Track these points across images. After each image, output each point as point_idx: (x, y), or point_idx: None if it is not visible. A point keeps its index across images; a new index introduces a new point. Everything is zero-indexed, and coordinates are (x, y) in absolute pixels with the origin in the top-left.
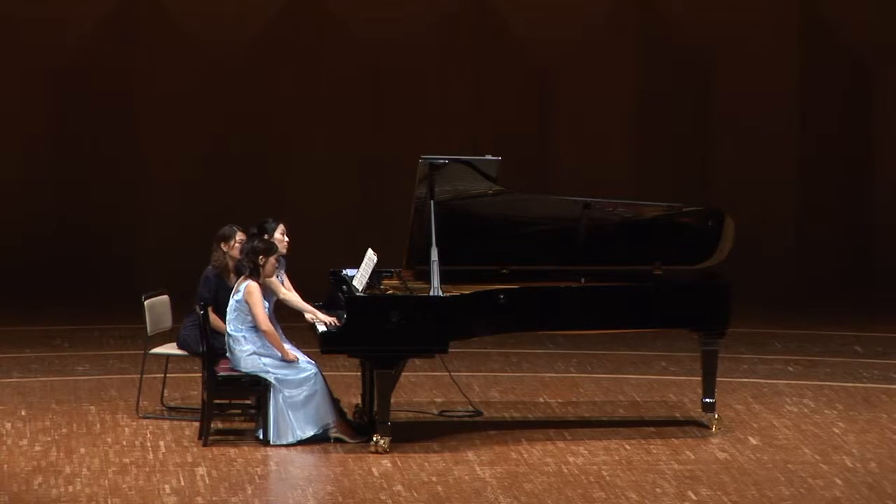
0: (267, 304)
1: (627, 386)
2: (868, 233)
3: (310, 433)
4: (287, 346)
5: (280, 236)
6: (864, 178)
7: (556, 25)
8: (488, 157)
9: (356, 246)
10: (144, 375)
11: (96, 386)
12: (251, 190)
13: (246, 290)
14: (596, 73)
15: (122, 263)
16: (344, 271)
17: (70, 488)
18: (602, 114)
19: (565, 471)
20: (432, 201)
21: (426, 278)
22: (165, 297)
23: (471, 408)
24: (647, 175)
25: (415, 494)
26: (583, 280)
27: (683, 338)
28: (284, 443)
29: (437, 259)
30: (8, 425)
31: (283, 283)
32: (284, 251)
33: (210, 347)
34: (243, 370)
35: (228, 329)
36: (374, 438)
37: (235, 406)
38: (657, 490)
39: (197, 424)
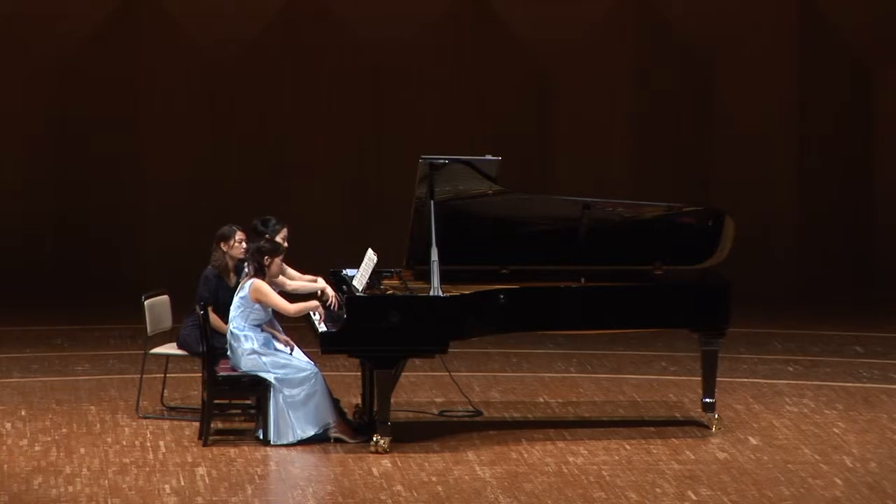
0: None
1: (627, 386)
2: (868, 233)
3: (310, 433)
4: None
5: (280, 240)
6: (864, 178)
7: (555, 25)
8: (488, 157)
9: (356, 246)
10: (144, 375)
11: (96, 386)
12: (251, 190)
13: (252, 287)
14: (596, 73)
15: (122, 263)
16: (344, 271)
17: (70, 488)
18: (602, 114)
19: (565, 471)
20: (432, 201)
21: (426, 278)
22: (165, 297)
23: (471, 408)
24: (647, 175)
25: (415, 494)
26: (583, 280)
27: (683, 338)
28: (285, 443)
29: (437, 259)
30: (8, 425)
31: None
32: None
33: (210, 347)
34: (243, 369)
35: (231, 327)
36: (374, 438)
37: (235, 406)
38: (657, 490)
39: (197, 424)
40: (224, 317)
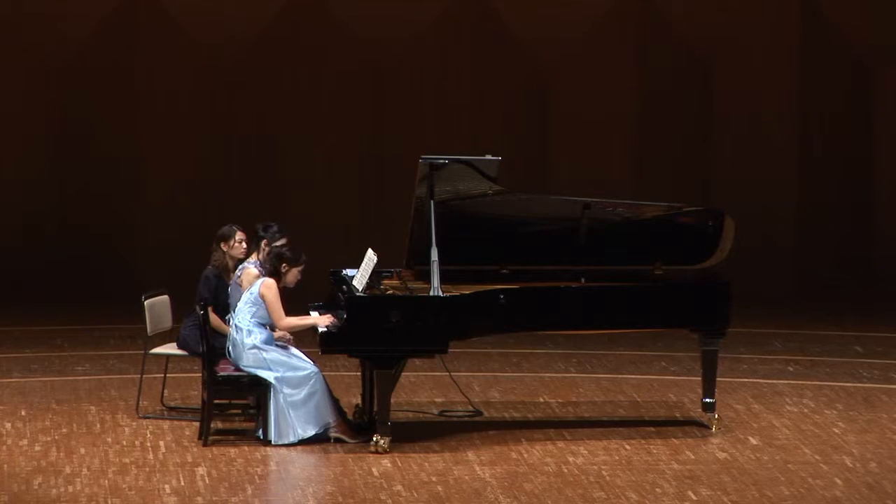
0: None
1: (627, 386)
2: (868, 233)
3: (311, 432)
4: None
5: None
6: (864, 178)
7: (556, 25)
8: (488, 157)
9: (356, 246)
10: (144, 375)
11: (96, 386)
12: (251, 190)
13: (264, 284)
14: (596, 72)
15: (122, 263)
16: (344, 271)
17: (70, 488)
18: (602, 114)
19: (565, 471)
20: (432, 201)
21: (426, 278)
22: (165, 297)
23: (471, 408)
24: (647, 175)
25: (415, 494)
26: (583, 280)
27: (683, 338)
28: (285, 442)
29: (437, 259)
30: (8, 425)
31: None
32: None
33: (210, 347)
34: (244, 365)
35: (235, 320)
36: (374, 438)
37: (235, 406)
38: (657, 490)
39: (197, 424)
40: (224, 317)
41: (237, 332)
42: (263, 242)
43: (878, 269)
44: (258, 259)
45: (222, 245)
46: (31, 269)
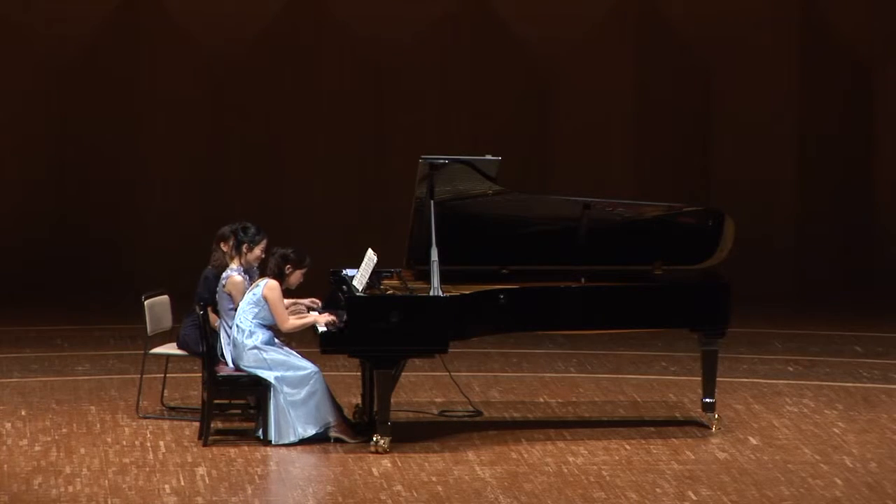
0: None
1: (627, 386)
2: (868, 233)
3: (311, 432)
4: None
5: (259, 252)
6: (864, 178)
7: (556, 25)
8: (488, 157)
9: (356, 246)
10: (144, 375)
11: (96, 386)
12: (251, 190)
13: (267, 285)
14: (596, 73)
15: (122, 263)
16: (344, 271)
17: (70, 488)
18: (602, 114)
19: (565, 471)
20: (432, 201)
21: (426, 278)
22: (165, 297)
23: (471, 408)
24: (647, 175)
25: (415, 494)
26: (583, 280)
27: (683, 338)
28: (285, 442)
29: (437, 259)
30: (8, 425)
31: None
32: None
33: (210, 347)
34: (244, 365)
35: (237, 320)
36: (374, 438)
37: (235, 406)
38: (657, 490)
39: (197, 424)
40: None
41: (239, 332)
42: (245, 246)
43: (878, 269)
44: (241, 264)
45: (222, 245)
46: (31, 268)
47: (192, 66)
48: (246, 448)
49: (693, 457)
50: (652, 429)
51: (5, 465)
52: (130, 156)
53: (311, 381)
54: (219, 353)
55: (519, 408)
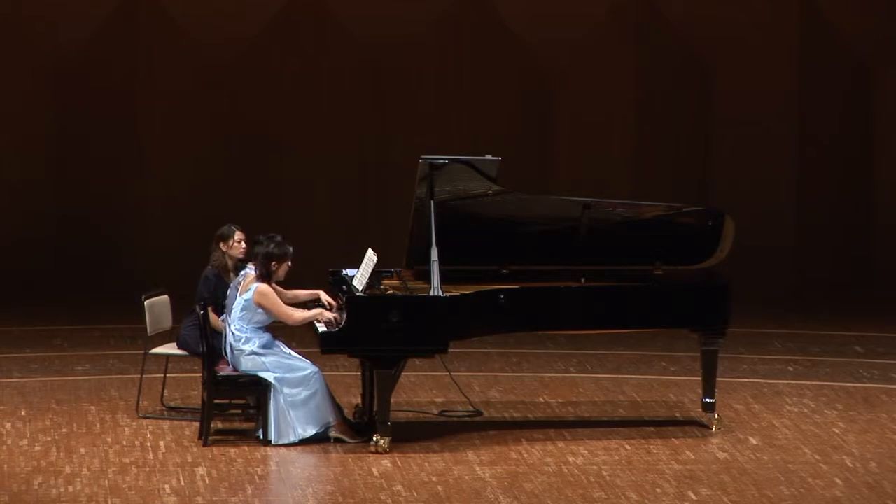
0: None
1: (627, 386)
2: (868, 233)
3: (311, 432)
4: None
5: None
6: (864, 178)
7: (556, 25)
8: (488, 157)
9: (356, 246)
10: (144, 375)
11: (96, 386)
12: (251, 190)
13: (257, 292)
14: (596, 73)
15: (122, 263)
16: (344, 271)
17: (70, 488)
18: (602, 114)
19: (565, 471)
20: (432, 201)
21: (426, 278)
22: (165, 297)
23: (471, 408)
24: (647, 175)
25: (415, 494)
26: (583, 280)
27: (683, 338)
28: (285, 442)
29: (437, 259)
30: (8, 425)
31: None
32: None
33: (210, 347)
34: (243, 370)
35: (232, 327)
36: (374, 438)
37: (235, 406)
38: (657, 490)
39: (197, 424)
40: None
41: (235, 339)
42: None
43: (878, 269)
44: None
45: (222, 245)
46: (31, 268)
47: (192, 65)
48: (246, 448)
49: (693, 457)
50: (652, 429)
51: (5, 465)
52: (130, 155)
53: (311, 382)
54: (222, 351)
55: (519, 408)
